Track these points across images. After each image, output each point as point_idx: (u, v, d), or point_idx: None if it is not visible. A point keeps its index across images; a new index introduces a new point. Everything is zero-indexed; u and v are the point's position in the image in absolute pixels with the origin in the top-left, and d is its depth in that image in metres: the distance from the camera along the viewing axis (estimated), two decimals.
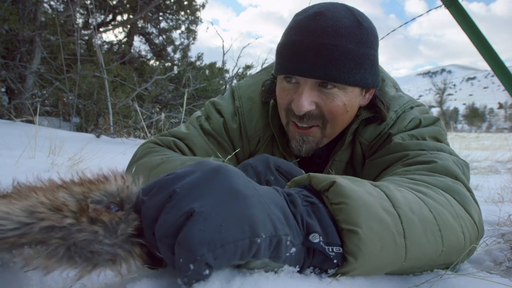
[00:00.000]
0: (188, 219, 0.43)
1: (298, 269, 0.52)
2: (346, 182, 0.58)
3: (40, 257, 0.43)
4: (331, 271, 0.54)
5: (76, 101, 4.38)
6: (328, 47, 0.88)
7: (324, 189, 0.59)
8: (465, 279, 0.64)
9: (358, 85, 0.94)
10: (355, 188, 0.58)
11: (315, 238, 0.52)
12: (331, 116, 0.96)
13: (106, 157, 2.02)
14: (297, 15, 0.98)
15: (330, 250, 0.53)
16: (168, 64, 7.41)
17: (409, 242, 0.58)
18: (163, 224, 0.44)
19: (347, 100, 0.95)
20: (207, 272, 0.43)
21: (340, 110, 0.95)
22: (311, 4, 1.00)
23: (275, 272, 0.51)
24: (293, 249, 0.50)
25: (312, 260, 0.53)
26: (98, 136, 3.60)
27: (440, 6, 1.26)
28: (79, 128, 4.68)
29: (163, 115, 3.43)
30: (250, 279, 0.49)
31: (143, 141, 3.70)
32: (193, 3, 7.31)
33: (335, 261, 0.53)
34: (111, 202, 0.49)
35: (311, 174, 0.62)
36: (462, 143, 6.45)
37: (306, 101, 0.92)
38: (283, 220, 0.50)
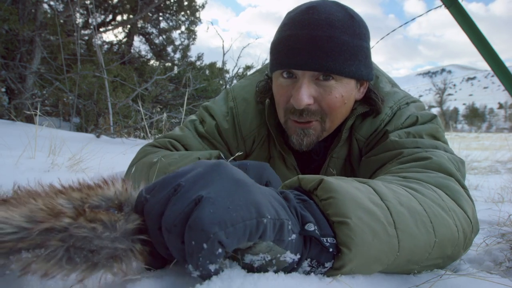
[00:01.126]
0: (196, 205, 0.45)
1: (299, 257, 0.53)
2: (333, 179, 0.61)
3: (38, 261, 0.42)
4: (328, 264, 0.55)
5: (76, 101, 4.38)
6: (323, 39, 0.89)
7: (313, 188, 0.61)
8: (465, 279, 0.64)
9: (353, 77, 0.95)
10: (342, 183, 0.61)
11: (311, 227, 0.54)
12: (329, 109, 0.97)
13: (106, 157, 2.02)
14: (289, 12, 1.00)
15: (325, 240, 0.54)
16: (168, 64, 7.41)
17: (401, 232, 0.60)
18: (171, 214, 0.45)
19: (345, 92, 0.96)
20: (220, 251, 0.44)
21: (338, 102, 0.96)
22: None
23: (278, 262, 0.51)
24: (294, 235, 0.51)
25: (309, 251, 0.54)
26: (98, 136, 3.60)
27: (440, 6, 1.26)
28: (79, 128, 4.68)
29: (164, 115, 3.43)
30: (250, 279, 0.49)
31: (143, 141, 3.71)
32: (193, 3, 7.31)
33: (330, 249, 0.54)
34: (110, 206, 0.49)
35: (300, 176, 0.65)
36: (462, 143, 6.45)
37: (306, 95, 0.93)
38: (282, 209, 0.52)
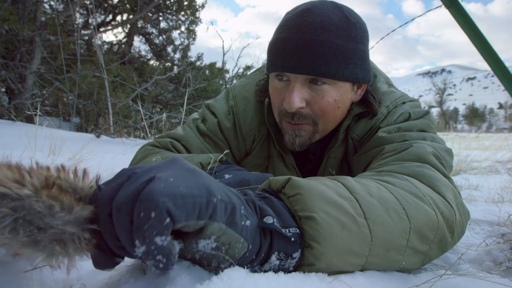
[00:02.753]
0: (149, 183, 0.46)
1: (252, 246, 0.52)
2: (300, 178, 0.63)
3: None
4: (295, 255, 0.56)
5: (76, 101, 4.38)
6: (316, 43, 0.89)
7: (281, 187, 0.63)
8: (465, 279, 0.64)
9: (348, 80, 0.95)
10: (310, 181, 0.62)
11: (269, 219, 0.55)
12: (321, 113, 0.97)
13: (106, 157, 2.02)
14: (287, 13, 1.00)
15: (287, 231, 0.55)
16: (168, 64, 7.40)
17: (371, 222, 0.60)
18: (122, 195, 0.46)
19: (338, 96, 0.96)
20: (167, 221, 0.43)
21: (331, 106, 0.96)
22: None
23: (232, 248, 0.51)
24: (248, 222, 0.52)
25: (273, 245, 0.55)
26: (98, 136, 3.60)
27: (440, 6, 1.26)
28: (79, 128, 4.68)
29: (164, 115, 3.43)
30: (250, 279, 0.49)
31: (143, 141, 3.71)
32: (193, 3, 7.31)
33: (292, 239, 0.55)
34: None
35: (270, 178, 0.66)
36: (462, 143, 6.44)
37: (297, 98, 0.93)
38: (236, 197, 0.53)
